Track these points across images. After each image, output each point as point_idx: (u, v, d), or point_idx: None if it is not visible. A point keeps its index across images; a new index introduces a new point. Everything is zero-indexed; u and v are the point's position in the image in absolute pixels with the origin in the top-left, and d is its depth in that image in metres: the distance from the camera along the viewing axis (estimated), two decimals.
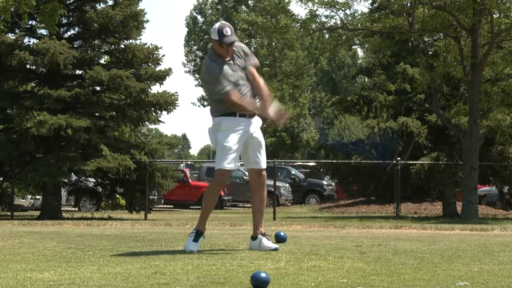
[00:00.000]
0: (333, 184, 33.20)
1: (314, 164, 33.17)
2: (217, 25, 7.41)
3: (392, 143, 24.14)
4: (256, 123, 7.51)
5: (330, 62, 75.68)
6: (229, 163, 7.28)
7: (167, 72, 21.54)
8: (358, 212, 25.34)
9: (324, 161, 30.62)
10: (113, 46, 21.92)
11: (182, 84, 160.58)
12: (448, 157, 22.91)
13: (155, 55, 21.48)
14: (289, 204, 31.53)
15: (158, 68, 21.71)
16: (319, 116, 73.33)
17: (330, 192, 33.96)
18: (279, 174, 31.67)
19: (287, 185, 32.47)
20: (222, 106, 7.36)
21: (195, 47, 60.23)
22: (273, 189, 22.01)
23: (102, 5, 21.82)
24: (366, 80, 37.34)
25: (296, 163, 39.58)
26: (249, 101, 7.37)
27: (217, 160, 7.38)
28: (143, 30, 21.86)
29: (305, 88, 62.20)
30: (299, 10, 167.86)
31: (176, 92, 21.23)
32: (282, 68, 51.16)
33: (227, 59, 7.36)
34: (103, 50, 22.09)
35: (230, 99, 7.25)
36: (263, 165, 7.50)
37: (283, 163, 36.43)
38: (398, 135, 23.90)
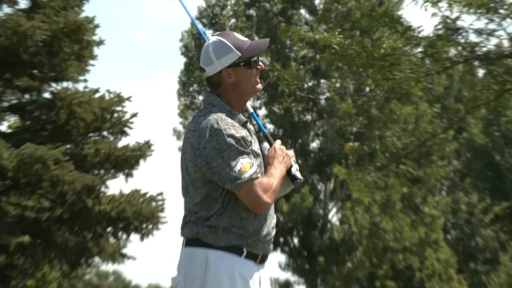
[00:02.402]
0: None
1: None
2: (215, 38, 4.49)
3: None
4: (267, 273, 5.04)
5: (487, 127, 53.15)
6: None
7: None
8: None
9: None
10: None
11: None
12: None
13: None
14: None
15: None
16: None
17: None
18: None
19: None
20: (230, 234, 4.55)
21: None
22: None
23: None
24: None
25: None
26: (279, 172, 4.74)
27: None
28: None
29: (435, 183, 36.95)
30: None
31: None
32: (384, 140, 29.28)
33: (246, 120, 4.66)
34: None
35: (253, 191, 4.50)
36: None
37: None
38: None
